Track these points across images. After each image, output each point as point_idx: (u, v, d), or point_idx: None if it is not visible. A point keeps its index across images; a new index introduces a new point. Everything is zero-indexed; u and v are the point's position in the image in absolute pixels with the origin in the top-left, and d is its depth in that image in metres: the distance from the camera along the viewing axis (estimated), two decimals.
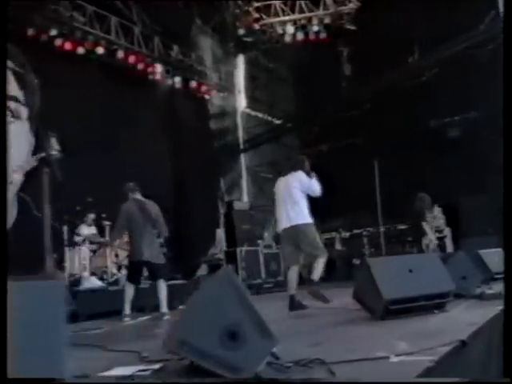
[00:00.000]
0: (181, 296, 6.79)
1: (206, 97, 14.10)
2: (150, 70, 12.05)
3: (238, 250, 10.44)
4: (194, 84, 13.26)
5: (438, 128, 12.87)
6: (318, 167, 13.53)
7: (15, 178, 9.86)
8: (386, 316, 3.72)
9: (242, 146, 16.21)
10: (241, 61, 16.52)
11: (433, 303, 3.88)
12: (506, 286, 2.85)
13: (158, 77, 12.28)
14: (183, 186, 12.95)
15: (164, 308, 6.13)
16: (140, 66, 11.79)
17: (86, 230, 8.93)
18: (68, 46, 10.54)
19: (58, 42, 10.40)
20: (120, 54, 11.25)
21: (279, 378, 2.46)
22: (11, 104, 10.04)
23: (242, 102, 16.54)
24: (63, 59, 10.46)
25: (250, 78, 16.48)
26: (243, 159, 16.37)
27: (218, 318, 2.47)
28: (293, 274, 5.80)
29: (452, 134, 12.58)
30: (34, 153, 10.10)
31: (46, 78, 10.21)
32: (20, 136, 10.10)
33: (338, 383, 2.28)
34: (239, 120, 16.41)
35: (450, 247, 10.39)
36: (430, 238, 9.48)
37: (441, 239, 10.28)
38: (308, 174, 6.09)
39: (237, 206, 11.33)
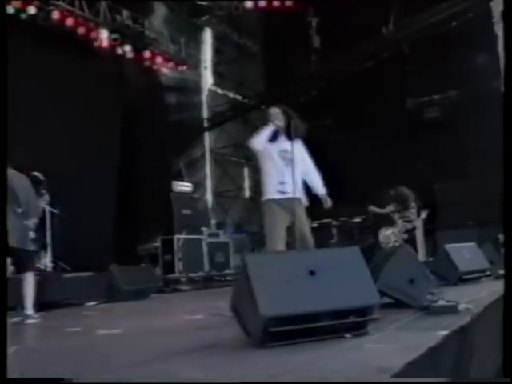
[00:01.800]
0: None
1: (163, 70, 12.82)
2: (93, 35, 10.74)
3: (175, 237, 9.08)
4: (147, 54, 11.98)
5: (415, 108, 11.70)
6: None
7: None
8: (267, 341, 2.53)
9: (205, 125, 15.03)
10: (208, 35, 15.31)
11: (345, 323, 2.70)
12: (506, 283, 2.83)
13: (104, 44, 10.98)
14: (133, 164, 11.68)
15: (29, 309, 4.88)
16: (81, 31, 10.48)
17: None
18: None
19: None
20: (55, 14, 9.91)
21: None
22: None
23: (208, 78, 15.36)
24: None
25: (218, 54, 15.27)
26: (207, 140, 15.19)
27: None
28: None
29: (430, 115, 11.41)
30: None
31: None
32: None
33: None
34: (204, 98, 15.22)
35: (420, 241, 9.24)
36: (393, 231, 8.42)
37: (410, 231, 9.16)
38: None
39: (176, 187, 9.92)
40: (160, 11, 12.66)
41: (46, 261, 6.66)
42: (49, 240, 6.74)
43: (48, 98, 9.66)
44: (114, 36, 11.17)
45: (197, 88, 14.97)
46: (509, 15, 3.23)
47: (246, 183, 16.33)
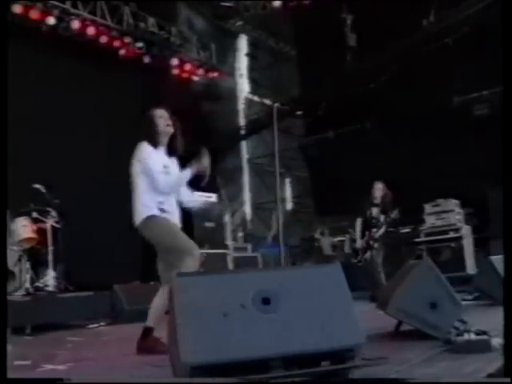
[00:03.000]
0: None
1: (194, 78, 12.35)
2: (116, 44, 10.40)
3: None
4: (174, 62, 11.55)
5: (462, 105, 10.69)
6: (325, 156, 11.53)
7: None
8: None
9: (242, 134, 14.46)
10: (243, 42, 14.81)
11: (315, 372, 1.94)
12: (506, 287, 2.50)
13: (128, 53, 10.64)
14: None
15: None
16: (103, 40, 10.14)
17: None
18: (12, 15, 8.98)
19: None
20: (76, 24, 9.60)
21: None
22: None
23: (244, 86, 14.85)
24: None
25: (253, 60, 14.74)
26: (244, 149, 14.62)
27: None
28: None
29: (479, 113, 10.36)
30: None
31: None
32: None
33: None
34: (240, 106, 14.69)
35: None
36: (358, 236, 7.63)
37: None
38: None
39: (197, 198, 9.10)
40: (187, 17, 12.23)
41: (48, 279, 6.20)
42: (51, 257, 6.27)
43: (69, 109, 9.34)
44: (139, 44, 10.81)
45: (232, 96, 14.46)
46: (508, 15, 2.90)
47: (287, 194, 15.63)
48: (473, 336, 2.88)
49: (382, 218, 7.56)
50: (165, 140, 3.95)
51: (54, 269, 6.65)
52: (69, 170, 8.70)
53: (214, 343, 1.85)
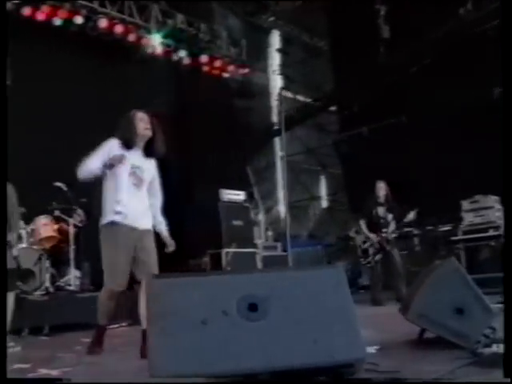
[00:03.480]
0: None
1: (225, 74, 12.18)
2: (144, 42, 10.33)
3: (224, 251, 8.20)
4: (204, 59, 11.41)
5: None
6: (358, 153, 11.17)
7: None
8: None
9: (275, 131, 14.21)
10: (275, 38, 14.56)
11: None
12: (506, 285, 2.43)
13: (157, 50, 10.56)
14: (195, 177, 11.07)
15: None
16: (131, 38, 10.08)
17: None
18: (39, 15, 9.02)
19: (27, 10, 8.90)
20: (103, 23, 9.57)
21: None
22: None
23: (276, 82, 14.58)
24: (35, 32, 8.96)
25: (286, 56, 14.46)
26: (277, 146, 14.35)
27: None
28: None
29: None
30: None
31: (17, 56, 8.83)
32: None
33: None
34: (273, 102, 14.43)
35: None
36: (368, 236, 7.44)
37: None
38: None
39: (225, 196, 8.92)
40: (217, 13, 12.06)
41: (70, 278, 6.12)
42: (72, 256, 6.19)
43: (94, 107, 9.31)
44: (168, 41, 10.72)
45: (265, 92, 14.23)
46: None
47: (323, 192, 15.31)
48: (502, 347, 2.57)
49: (390, 216, 7.48)
50: (142, 142, 4.00)
51: (78, 268, 6.60)
52: None
53: (189, 355, 1.64)
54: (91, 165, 3.88)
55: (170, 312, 1.71)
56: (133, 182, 3.90)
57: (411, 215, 7.31)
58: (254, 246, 8.79)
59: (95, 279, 7.10)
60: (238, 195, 9.03)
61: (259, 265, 8.63)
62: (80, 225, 6.60)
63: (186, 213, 9.78)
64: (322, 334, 1.75)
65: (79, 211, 6.76)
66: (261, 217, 12.05)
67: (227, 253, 8.25)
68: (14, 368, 3.11)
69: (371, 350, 3.11)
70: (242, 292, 1.79)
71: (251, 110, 13.47)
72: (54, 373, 2.91)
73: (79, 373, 2.98)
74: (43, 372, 2.96)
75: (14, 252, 4.37)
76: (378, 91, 11.19)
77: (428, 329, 3.03)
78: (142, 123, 3.97)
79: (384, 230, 7.49)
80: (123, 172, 3.87)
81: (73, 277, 6.14)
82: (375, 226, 7.63)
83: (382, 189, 7.69)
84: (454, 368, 2.39)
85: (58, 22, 9.24)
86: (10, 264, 4.32)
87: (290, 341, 1.72)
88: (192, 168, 10.77)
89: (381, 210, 7.66)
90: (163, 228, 4.15)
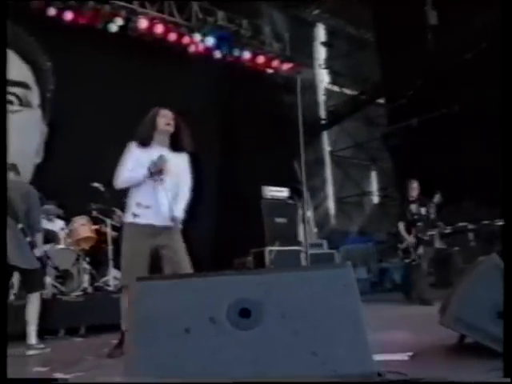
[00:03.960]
0: None
1: (269, 70, 11.99)
2: (185, 41, 10.28)
3: (267, 250, 7.96)
4: (246, 55, 11.26)
5: None
6: (407, 145, 10.77)
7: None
8: None
9: (323, 126, 13.92)
10: (321, 32, 14.26)
11: None
12: (506, 283, 2.44)
13: (199, 49, 10.49)
14: (240, 174, 10.90)
15: (31, 338, 4.17)
16: (172, 37, 10.05)
17: None
18: (80, 19, 9.12)
19: (68, 15, 9.02)
20: (143, 23, 9.57)
21: None
22: (19, 91, 8.90)
23: (323, 76, 14.29)
24: (76, 36, 9.06)
25: (332, 50, 14.13)
26: (325, 141, 14.06)
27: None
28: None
29: None
30: (46, 144, 8.98)
31: (59, 60, 8.98)
32: (30, 125, 8.97)
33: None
34: (320, 97, 14.14)
35: None
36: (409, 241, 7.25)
37: None
38: None
39: (268, 193, 8.65)
40: (259, 8, 11.88)
41: (109, 278, 6.10)
42: (110, 255, 6.16)
43: (135, 108, 9.31)
44: (209, 39, 10.63)
45: (312, 87, 13.95)
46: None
47: (374, 187, 14.89)
48: None
49: (423, 210, 7.32)
50: (165, 138, 3.98)
51: (119, 268, 6.59)
52: None
53: (169, 367, 1.46)
54: (130, 177, 3.86)
55: (151, 318, 1.55)
56: (154, 178, 3.81)
57: (436, 199, 7.12)
58: (299, 243, 8.53)
59: None
60: (282, 192, 8.81)
61: (304, 263, 8.38)
62: (119, 225, 6.56)
63: (230, 211, 9.67)
64: (323, 345, 1.54)
65: (118, 212, 6.74)
66: (309, 214, 11.79)
67: (270, 251, 8.06)
68: (33, 371, 3.04)
69: (404, 357, 2.86)
70: (233, 296, 1.60)
71: (297, 105, 13.18)
72: (68, 377, 2.82)
73: (89, 376, 2.88)
74: (57, 376, 2.87)
75: (37, 252, 4.33)
76: (427, 80, 10.71)
77: (466, 333, 2.74)
78: (164, 119, 3.95)
79: (419, 224, 7.36)
80: (143, 170, 3.82)
81: (111, 277, 6.11)
82: (411, 224, 7.46)
83: (414, 189, 7.56)
84: (484, 379, 2.12)
85: (98, 25, 9.34)
86: (33, 265, 4.29)
87: (286, 352, 1.51)
88: (237, 165, 10.62)
89: (413, 207, 7.53)
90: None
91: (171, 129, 3.95)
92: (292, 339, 1.54)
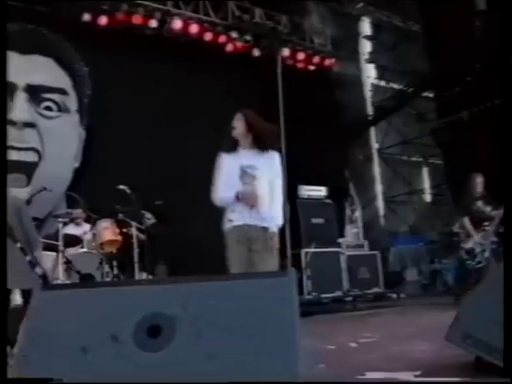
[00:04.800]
0: None
1: (310, 67, 11.68)
2: (222, 40, 10.15)
3: (303, 251, 7.71)
4: (285, 52, 11.01)
5: None
6: (458, 140, 10.23)
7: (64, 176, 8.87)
8: None
9: (370, 122, 13.44)
10: (366, 25, 13.80)
11: None
12: (506, 282, 2.27)
13: (236, 47, 10.34)
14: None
15: None
16: (207, 37, 9.94)
17: None
18: (114, 23, 9.17)
19: (103, 20, 9.08)
20: (177, 24, 9.51)
21: None
22: (57, 97, 9.05)
23: (369, 71, 13.82)
24: (111, 40, 9.10)
25: (378, 44, 13.64)
26: (373, 138, 13.57)
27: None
28: None
29: None
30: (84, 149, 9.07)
31: (95, 64, 9.05)
32: (68, 130, 9.07)
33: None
34: (367, 92, 13.68)
35: None
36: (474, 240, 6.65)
37: None
38: None
39: (304, 192, 8.41)
40: (299, 4, 11.56)
41: None
42: (136, 259, 6.07)
43: (171, 109, 9.29)
44: (246, 37, 10.45)
45: (358, 82, 13.51)
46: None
47: (425, 185, 14.27)
48: None
49: (488, 209, 6.92)
50: (248, 140, 4.01)
51: (151, 272, 6.52)
52: (171, 171, 8.66)
53: None
54: (225, 195, 3.93)
55: (46, 334, 1.34)
56: (244, 182, 3.89)
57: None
58: (338, 245, 8.20)
59: None
60: (319, 191, 8.50)
61: (343, 265, 8.06)
62: (146, 228, 6.49)
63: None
64: (245, 373, 1.29)
65: (148, 215, 6.67)
66: (358, 214, 11.39)
67: (306, 253, 7.77)
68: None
69: (409, 376, 2.53)
70: (143, 310, 1.38)
71: (344, 102, 12.81)
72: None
73: None
74: None
75: (38, 271, 4.15)
76: (478, 70, 10.08)
77: (468, 348, 2.38)
78: (241, 123, 4.01)
79: (485, 223, 6.90)
80: (233, 176, 3.91)
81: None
82: (477, 221, 6.93)
83: (480, 184, 7.18)
84: None
85: (133, 28, 9.36)
86: (32, 284, 4.06)
87: (198, 380, 1.27)
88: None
89: (480, 204, 7.10)
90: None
91: (235, 132, 4.00)
92: (207, 365, 1.30)
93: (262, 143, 3.97)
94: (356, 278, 8.04)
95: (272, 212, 3.89)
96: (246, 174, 3.89)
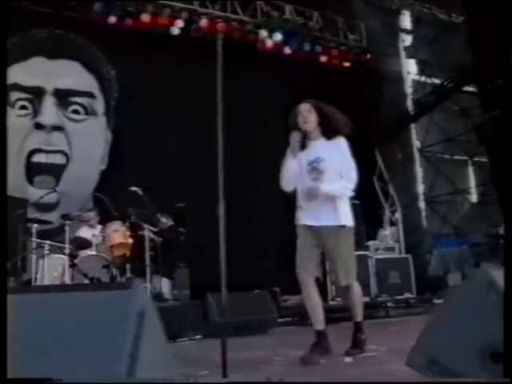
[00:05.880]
0: None
1: (345, 64, 11.32)
2: (251, 38, 9.97)
3: None
4: (318, 49, 10.72)
5: None
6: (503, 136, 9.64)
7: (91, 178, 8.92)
8: None
9: (411, 119, 12.91)
10: (406, 19, 13.29)
11: None
12: (506, 283, 1.95)
13: (267, 46, 10.12)
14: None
15: None
16: (236, 35, 9.77)
17: None
18: (140, 24, 9.14)
19: (128, 21, 9.07)
20: (204, 23, 9.39)
21: None
22: (85, 100, 9.12)
23: (410, 67, 13.28)
24: (138, 42, 9.07)
25: (418, 38, 13.09)
26: (414, 136, 13.03)
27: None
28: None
29: None
30: (111, 151, 9.08)
31: (122, 67, 9.05)
32: (95, 133, 9.14)
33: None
34: (408, 89, 13.15)
35: None
36: None
37: None
38: None
39: None
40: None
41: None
42: (148, 262, 5.94)
43: (198, 111, 9.17)
44: (277, 35, 10.22)
45: (398, 78, 13.00)
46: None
47: (470, 184, 13.59)
48: None
49: None
50: (315, 132, 3.90)
51: (170, 277, 6.42)
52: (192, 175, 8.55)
53: None
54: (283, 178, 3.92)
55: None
56: (312, 177, 3.80)
57: None
58: (365, 248, 7.83)
59: (192, 287, 6.88)
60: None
61: (371, 270, 7.68)
62: (162, 230, 6.37)
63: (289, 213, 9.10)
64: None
65: (163, 218, 6.55)
66: (398, 215, 10.94)
67: None
68: None
69: None
70: None
71: (383, 99, 12.35)
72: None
73: None
74: None
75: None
76: None
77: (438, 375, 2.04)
78: (300, 117, 3.89)
79: None
80: (303, 172, 3.85)
81: (149, 284, 5.89)
82: None
83: None
84: None
85: (159, 29, 9.31)
86: None
87: None
88: None
89: None
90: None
91: (309, 126, 3.85)
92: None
93: (329, 132, 3.85)
94: (386, 282, 7.64)
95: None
96: (313, 169, 3.80)
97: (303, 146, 3.85)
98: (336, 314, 6.83)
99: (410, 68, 13.14)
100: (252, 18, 9.97)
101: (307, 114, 3.85)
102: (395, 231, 9.97)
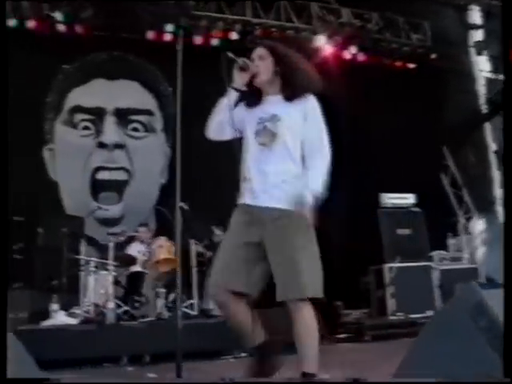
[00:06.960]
0: None
1: (410, 65, 10.88)
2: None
3: (386, 267, 6.95)
4: (380, 51, 10.37)
5: None
6: None
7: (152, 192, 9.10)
8: None
9: (484, 119, 12.18)
10: (476, 15, 12.57)
11: None
12: (506, 285, 1.92)
13: (326, 51, 9.90)
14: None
15: None
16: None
17: None
18: (197, 40, 9.24)
19: (180, 39, 9.17)
20: (257, 32, 9.34)
21: None
22: (144, 118, 9.36)
23: (483, 64, 12.54)
24: (193, 58, 9.15)
25: (490, 33, 12.33)
26: (489, 137, 12.26)
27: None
28: None
29: None
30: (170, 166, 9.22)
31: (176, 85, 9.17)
32: (155, 149, 9.34)
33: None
34: (480, 87, 12.42)
35: None
36: None
37: None
38: None
39: (387, 200, 7.47)
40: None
41: (192, 303, 5.85)
42: (195, 279, 5.90)
43: None
44: (335, 39, 9.98)
45: (469, 77, 12.32)
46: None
47: None
48: None
49: None
50: (273, 85, 2.93)
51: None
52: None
53: None
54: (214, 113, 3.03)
55: None
56: (259, 142, 2.80)
57: None
58: (428, 258, 7.38)
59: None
60: (405, 199, 7.71)
61: (435, 281, 7.21)
62: (214, 244, 6.32)
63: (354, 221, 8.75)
64: None
65: (218, 230, 6.50)
66: (473, 223, 10.29)
67: (390, 268, 7.07)
68: None
69: None
70: None
71: (452, 99, 11.75)
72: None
73: None
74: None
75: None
76: None
77: None
78: (263, 64, 2.95)
79: None
80: (249, 132, 2.86)
81: (196, 300, 5.85)
82: None
83: None
84: None
85: (215, 42, 9.36)
86: None
87: None
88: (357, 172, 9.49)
89: None
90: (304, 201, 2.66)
91: (260, 78, 2.92)
92: None
93: (290, 90, 2.83)
94: (451, 295, 7.10)
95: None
96: (263, 130, 2.80)
97: (256, 100, 2.89)
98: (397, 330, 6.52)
99: (482, 65, 12.41)
100: (307, 24, 9.78)
101: (259, 63, 2.92)
102: (469, 240, 9.36)
